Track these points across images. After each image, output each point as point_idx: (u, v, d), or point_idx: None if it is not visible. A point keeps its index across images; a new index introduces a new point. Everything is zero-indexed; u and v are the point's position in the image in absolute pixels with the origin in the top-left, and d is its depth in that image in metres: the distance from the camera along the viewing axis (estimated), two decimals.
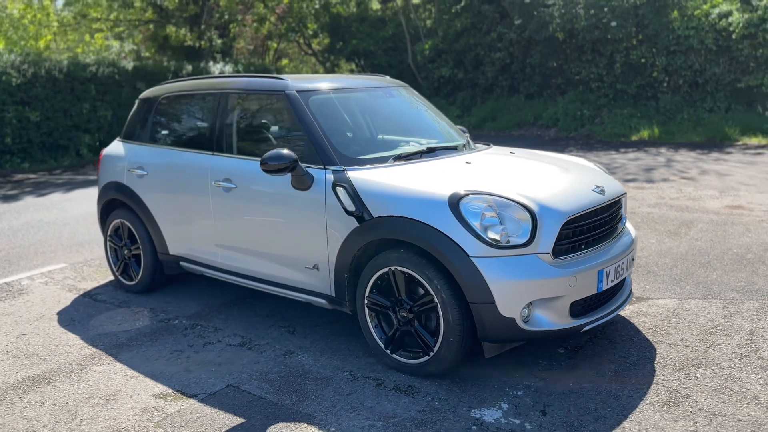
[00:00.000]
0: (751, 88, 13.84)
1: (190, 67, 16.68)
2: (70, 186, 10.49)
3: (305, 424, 2.93)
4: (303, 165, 3.61)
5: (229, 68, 18.08)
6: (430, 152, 3.88)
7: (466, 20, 18.87)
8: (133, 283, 4.90)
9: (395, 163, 3.65)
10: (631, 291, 3.67)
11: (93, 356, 3.82)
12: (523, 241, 3.03)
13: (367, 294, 3.41)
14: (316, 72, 27.73)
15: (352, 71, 25.47)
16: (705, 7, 14.12)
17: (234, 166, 4.04)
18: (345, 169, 3.54)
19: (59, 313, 4.58)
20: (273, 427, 2.93)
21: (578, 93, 16.41)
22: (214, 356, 3.74)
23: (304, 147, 3.78)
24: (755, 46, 13.39)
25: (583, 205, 3.26)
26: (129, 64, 15.24)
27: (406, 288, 3.26)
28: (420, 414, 2.95)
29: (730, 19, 13.62)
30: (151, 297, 4.83)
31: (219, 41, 21.93)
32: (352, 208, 3.39)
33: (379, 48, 21.97)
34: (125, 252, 4.92)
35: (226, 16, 22.40)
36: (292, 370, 3.50)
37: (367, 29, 22.47)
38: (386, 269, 3.29)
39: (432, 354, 3.19)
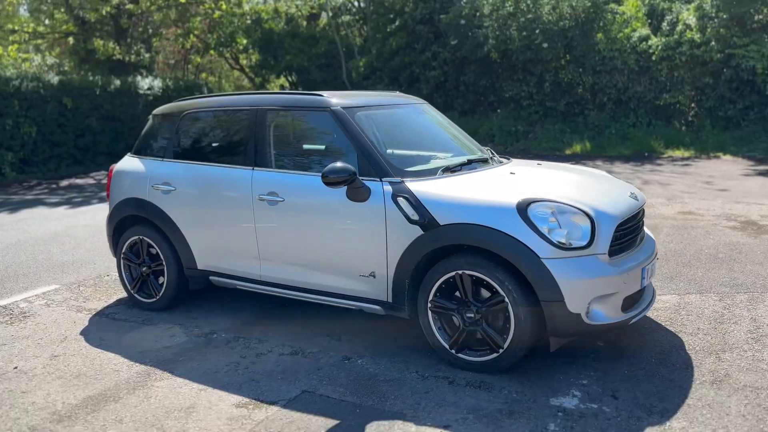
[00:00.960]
0: (668, 105, 15.12)
1: (118, 82, 16.16)
2: (10, 207, 9.98)
3: (400, 422, 3.10)
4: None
5: (158, 83, 17.65)
6: (469, 164, 4.16)
7: (401, 39, 19.39)
8: (153, 300, 4.85)
9: (444, 175, 3.90)
10: (654, 289, 4.08)
11: (147, 373, 3.80)
12: (584, 243, 3.35)
13: (430, 298, 3.63)
14: (241, 87, 27.51)
15: (283, 87, 25.50)
16: (626, 30, 15.33)
17: (281, 180, 4.15)
18: (402, 181, 3.76)
19: (83, 334, 4.48)
20: (370, 425, 3.08)
21: (510, 110, 17.29)
22: (273, 366, 3.82)
23: (348, 160, 3.96)
24: (672, 67, 14.68)
25: (626, 210, 3.64)
26: (54, 78, 14.60)
27: (472, 290, 3.50)
28: (505, 405, 3.20)
29: (649, 42, 14.88)
30: (173, 314, 4.80)
31: (147, 55, 21.38)
32: (415, 217, 3.60)
33: (313, 64, 22.16)
34: (143, 269, 4.87)
35: (150, 30, 21.89)
36: (359, 374, 3.65)
37: (300, 45, 22.59)
38: (452, 273, 3.52)
39: (501, 351, 3.44)
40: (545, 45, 15.45)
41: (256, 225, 4.23)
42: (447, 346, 3.62)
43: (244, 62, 25.19)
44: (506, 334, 3.43)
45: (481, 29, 16.35)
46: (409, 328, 4.26)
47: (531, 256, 3.30)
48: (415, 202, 3.62)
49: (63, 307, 5.09)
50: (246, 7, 21.86)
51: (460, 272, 3.50)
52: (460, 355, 3.59)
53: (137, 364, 3.93)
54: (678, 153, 13.35)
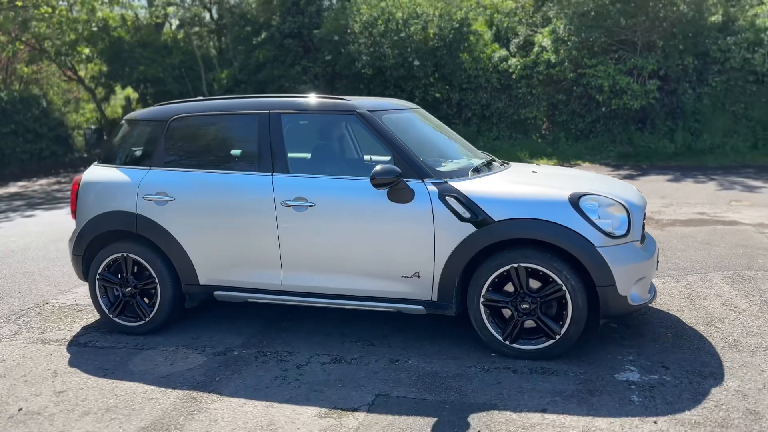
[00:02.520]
0: (526, 119, 16.57)
1: None
2: None
3: (496, 411, 3.19)
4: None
5: None
6: (488, 165, 4.36)
7: (268, 52, 19.19)
8: (141, 323, 4.41)
9: (477, 175, 4.06)
10: None
11: (191, 397, 3.48)
12: (623, 232, 3.70)
13: (483, 293, 3.76)
14: (72, 101, 25.25)
15: (129, 99, 23.89)
16: (488, 51, 16.60)
17: (310, 184, 4.03)
18: (446, 181, 3.86)
19: (74, 366, 3.97)
20: (471, 418, 3.13)
21: None
22: (324, 375, 3.70)
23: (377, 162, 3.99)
24: (530, 85, 16.13)
25: (644, 202, 4.07)
26: None
27: (527, 282, 3.70)
28: (580, 386, 3.42)
29: (509, 62, 16.22)
30: (166, 336, 4.41)
31: None
32: (467, 215, 3.72)
33: (169, 75, 21.15)
34: (126, 290, 4.41)
35: None
36: (419, 374, 3.67)
37: (152, 55, 21.40)
38: (507, 267, 3.69)
39: (558, 337, 3.67)
40: (417, 63, 16.19)
41: (279, 232, 4.06)
42: (501, 338, 3.77)
43: (83, 73, 23.20)
44: (563, 320, 3.66)
45: (354, 45, 16.71)
46: (432, 325, 4.35)
47: (587, 245, 3.57)
48: (466, 201, 3.74)
49: (20, 340, 4.45)
50: (99, 14, 20.20)
51: (515, 265, 3.67)
52: (515, 345, 3.76)
53: (170, 390, 3.58)
54: (543, 162, 14.70)
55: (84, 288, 5.67)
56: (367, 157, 4.82)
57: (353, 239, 3.95)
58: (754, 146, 13.80)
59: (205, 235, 4.21)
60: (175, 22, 24.16)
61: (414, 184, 3.86)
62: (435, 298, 3.89)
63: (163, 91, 21.10)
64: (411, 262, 3.87)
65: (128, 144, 4.61)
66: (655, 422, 3.02)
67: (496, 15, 16.79)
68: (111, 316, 4.47)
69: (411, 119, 4.51)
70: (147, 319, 4.40)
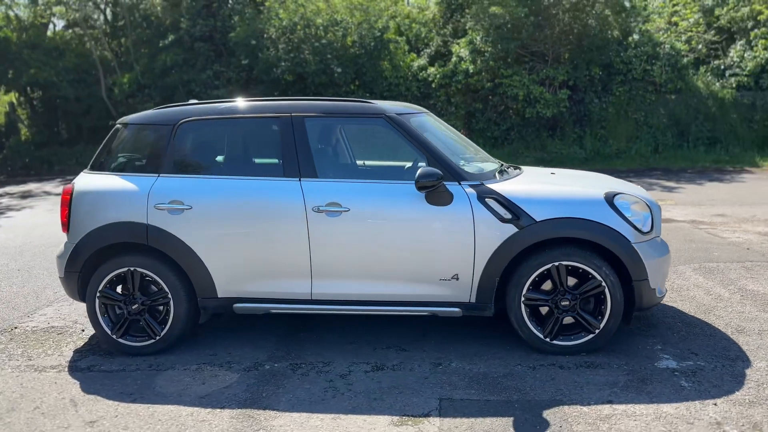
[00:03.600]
0: None
1: None
2: None
3: (566, 406, 3.27)
4: None
5: None
6: (506, 168, 4.46)
7: (177, 56, 18.41)
8: (151, 342, 4.09)
9: (504, 177, 4.14)
10: None
11: (247, 415, 3.29)
12: (649, 228, 3.93)
13: (524, 292, 3.84)
14: None
15: (12, 104, 21.97)
16: (407, 60, 16.92)
17: (344, 189, 3.93)
18: (482, 183, 3.91)
19: (91, 393, 3.62)
20: (546, 414, 3.19)
21: None
22: (373, 384, 3.62)
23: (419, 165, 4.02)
24: (449, 94, 16.61)
25: (654, 199, 4.34)
26: None
27: (566, 279, 3.82)
28: (629, 376, 3.58)
29: (428, 71, 16.62)
30: (177, 354, 4.13)
31: None
32: (508, 216, 3.80)
33: (63, 79, 19.70)
34: (134, 307, 4.08)
35: None
36: (470, 375, 3.68)
37: (43, 57, 19.86)
38: (549, 266, 3.79)
39: (598, 331, 3.82)
40: (339, 70, 16.18)
41: (310, 239, 3.92)
42: (542, 336, 3.87)
43: None
44: (602, 315, 3.82)
45: (273, 50, 16.42)
46: (455, 327, 4.38)
47: (624, 242, 3.76)
48: (506, 202, 3.81)
49: (7, 369, 3.99)
50: None
51: (556, 263, 3.79)
52: (555, 341, 3.86)
53: (218, 410, 3.36)
54: None
55: (53, 309, 5.17)
56: (360, 162, 4.78)
57: (390, 244, 3.90)
58: (655, 150, 15.02)
59: (227, 244, 3.98)
60: (60, 23, 22.56)
61: (451, 186, 3.87)
62: (473, 300, 3.92)
63: (57, 95, 19.64)
64: (450, 264, 3.88)
65: (126, 150, 4.28)
66: (716, 404, 3.22)
67: (414, 25, 17.13)
68: (114, 336, 4.11)
69: (427, 122, 4.52)
70: (158, 338, 4.08)
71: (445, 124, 5.00)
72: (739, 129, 14.62)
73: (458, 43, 16.56)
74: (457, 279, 3.89)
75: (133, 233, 4.01)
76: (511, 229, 3.80)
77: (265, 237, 3.96)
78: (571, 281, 3.87)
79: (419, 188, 3.74)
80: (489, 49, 15.50)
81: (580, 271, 3.81)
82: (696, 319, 4.47)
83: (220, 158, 4.19)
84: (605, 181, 4.43)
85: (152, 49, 19.56)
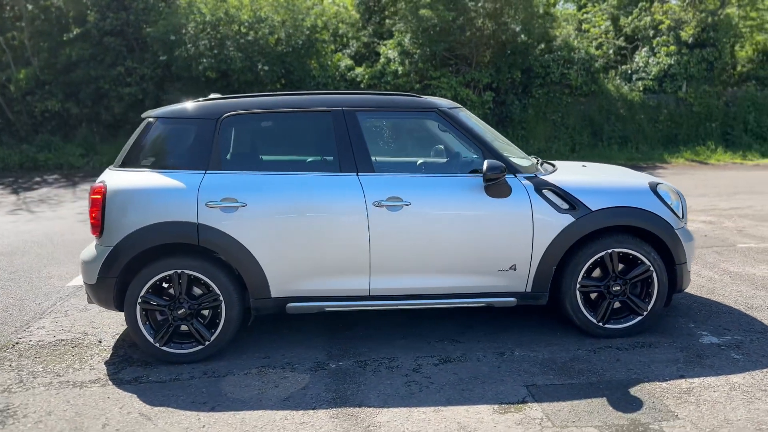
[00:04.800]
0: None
1: None
2: None
3: (646, 383, 3.46)
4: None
5: None
6: (542, 161, 4.61)
7: (83, 51, 17.21)
8: (198, 348, 3.87)
9: (549, 170, 4.29)
10: None
11: (346, 414, 3.20)
12: (682, 215, 4.23)
13: (579, 279, 4.01)
14: None
15: None
16: (335, 59, 16.88)
17: (404, 183, 3.91)
18: (536, 175, 4.05)
19: (161, 405, 3.38)
20: (632, 392, 3.36)
21: None
22: (452, 376, 3.64)
23: (458, 158, 4.07)
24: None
25: None
26: None
27: (618, 265, 4.03)
28: (683, 352, 3.85)
29: (357, 72, 16.68)
30: (224, 360, 3.93)
31: None
32: (565, 206, 3.95)
33: None
34: (180, 312, 3.84)
35: None
36: (539, 362, 3.79)
37: None
38: (603, 253, 3.99)
39: (645, 313, 4.06)
40: (266, 68, 15.85)
41: (371, 234, 3.87)
42: (595, 321, 4.05)
43: None
44: (649, 298, 4.06)
45: (194, 46, 15.79)
46: (497, 318, 4.49)
47: (669, 229, 4.03)
48: (563, 193, 3.96)
49: (38, 388, 3.63)
50: None
51: (609, 251, 3.99)
52: (607, 326, 4.07)
53: (312, 410, 3.25)
54: None
55: (50, 321, 4.73)
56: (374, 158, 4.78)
57: (450, 237, 3.93)
58: (572, 150, 15.96)
59: (283, 242, 3.84)
60: None
61: (509, 179, 3.97)
62: (529, 289, 4.04)
63: None
64: (508, 255, 3.97)
65: (163, 145, 4.01)
66: None
67: (341, 25, 17.10)
68: (158, 345, 3.84)
69: (469, 117, 4.60)
70: (207, 343, 3.86)
71: (477, 118, 5.10)
72: (647, 129, 15.87)
73: (385, 45, 16.73)
74: (515, 269, 3.99)
75: (182, 233, 3.77)
76: (568, 219, 3.95)
77: (324, 233, 3.86)
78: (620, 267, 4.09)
79: (487, 180, 3.80)
80: (418, 51, 15.79)
81: (630, 257, 4.03)
82: (705, 299, 4.86)
83: (270, 153, 4.03)
84: (632, 172, 4.71)
85: (53, 43, 18.13)
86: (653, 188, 4.11)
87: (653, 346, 3.96)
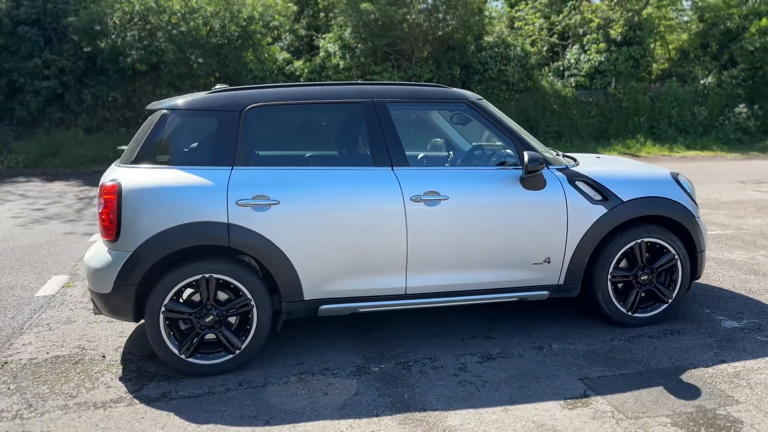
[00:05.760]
0: None
1: None
2: None
3: (691, 370, 3.52)
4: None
5: None
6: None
7: None
8: (228, 358, 3.59)
9: (574, 161, 4.29)
10: None
11: (414, 419, 3.05)
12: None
13: (611, 270, 4.03)
14: None
15: None
16: (272, 51, 16.44)
17: (441, 176, 3.78)
18: (567, 166, 4.03)
19: (206, 422, 3.10)
20: (683, 378, 3.40)
21: None
22: (502, 373, 3.56)
23: (492, 151, 4.02)
24: None
25: None
26: None
27: (645, 255, 4.09)
28: (712, 337, 3.95)
29: (295, 65, 16.31)
30: (257, 369, 3.68)
31: None
32: (598, 197, 3.96)
33: None
34: (208, 319, 3.55)
35: None
36: (581, 354, 3.77)
37: None
38: (632, 243, 4.03)
39: (671, 301, 4.14)
40: (201, 60, 15.19)
41: (408, 230, 3.72)
42: (625, 310, 4.09)
43: None
44: (673, 286, 4.15)
45: (122, 37, 14.90)
46: (520, 311, 4.46)
47: (692, 217, 4.13)
48: (595, 185, 3.96)
49: (57, 412, 3.24)
50: None
51: (638, 241, 4.03)
52: (636, 315, 4.12)
53: (375, 418, 3.08)
54: None
55: (33, 336, 4.26)
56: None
57: (487, 231, 3.84)
58: None
59: (317, 241, 3.62)
60: None
61: (542, 170, 3.93)
62: (561, 282, 4.02)
63: None
64: (543, 248, 3.94)
65: (181, 139, 3.68)
66: None
67: (277, 17, 16.64)
68: (183, 357, 3.53)
69: (494, 108, 4.51)
70: (238, 352, 3.59)
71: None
72: (579, 123, 16.47)
73: (324, 38, 16.45)
74: (549, 262, 3.96)
75: (212, 235, 3.47)
76: (600, 210, 3.96)
77: (360, 231, 3.67)
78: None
79: (528, 172, 3.74)
80: (359, 45, 15.62)
81: (657, 246, 4.10)
82: (705, 285, 5.04)
83: (297, 147, 3.79)
84: (643, 163, 4.80)
85: None
86: (675, 178, 4.20)
87: (682, 333, 4.05)
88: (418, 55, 16.08)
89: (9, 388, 3.49)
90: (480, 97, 4.20)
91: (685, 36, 17.96)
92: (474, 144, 4.52)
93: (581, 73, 16.66)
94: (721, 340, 3.91)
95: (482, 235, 3.84)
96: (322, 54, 16.18)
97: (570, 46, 17.36)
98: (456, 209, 3.78)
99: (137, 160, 3.60)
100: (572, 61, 16.93)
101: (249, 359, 3.66)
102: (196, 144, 3.69)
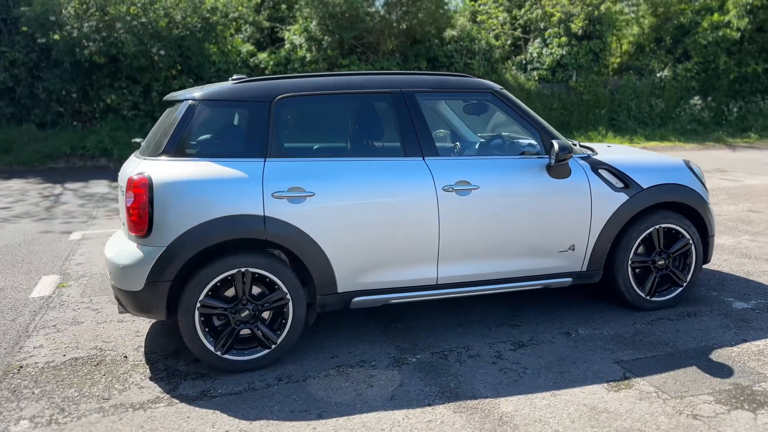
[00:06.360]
0: None
1: None
2: None
3: (718, 350, 3.64)
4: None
5: None
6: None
7: None
8: (264, 353, 3.52)
9: (590, 150, 4.37)
10: None
11: (468, 407, 3.06)
12: None
13: (631, 256, 4.14)
14: None
15: None
16: (236, 42, 16.12)
17: (471, 166, 3.79)
18: (589, 155, 4.11)
19: (253, 419, 3.04)
20: (712, 357, 3.53)
21: (111, 122, 15.78)
22: (537, 359, 3.61)
23: (509, 140, 4.06)
24: None
25: None
26: None
27: (662, 241, 4.20)
28: (728, 318, 4.10)
29: (260, 57, 16.05)
30: (291, 364, 3.62)
31: None
32: (620, 185, 4.05)
33: None
34: (243, 315, 3.47)
35: None
36: (610, 338, 3.86)
37: None
38: (651, 229, 4.14)
39: (685, 284, 4.28)
40: (162, 53, 14.77)
41: (440, 220, 3.72)
42: (644, 295, 4.21)
43: None
44: (687, 270, 4.28)
45: (79, 29, 14.33)
46: (539, 299, 4.53)
47: (704, 203, 4.27)
48: (617, 172, 4.05)
49: (93, 415, 3.12)
50: None
51: (657, 227, 4.15)
52: (654, 299, 4.23)
53: (429, 407, 3.08)
54: None
55: (42, 338, 4.08)
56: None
57: (516, 220, 3.88)
58: None
59: (351, 233, 3.58)
60: None
61: None
62: (584, 268, 4.10)
63: None
64: (568, 235, 4.00)
65: (210, 130, 3.57)
66: None
67: (240, 8, 16.32)
68: (219, 353, 3.44)
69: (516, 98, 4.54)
70: (275, 346, 3.52)
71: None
72: (542, 116, 16.76)
73: (289, 30, 16.23)
74: (573, 249, 4.03)
75: (249, 228, 3.38)
76: (622, 198, 4.05)
77: (393, 221, 3.65)
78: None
79: (558, 161, 3.79)
80: (327, 37, 15.48)
81: (673, 231, 4.22)
82: (706, 269, 5.21)
83: (327, 137, 3.73)
84: (649, 152, 4.94)
85: None
86: (688, 164, 4.33)
87: (699, 315, 4.19)
88: (384, 48, 16.05)
89: (33, 393, 3.33)
90: (501, 87, 4.24)
91: (636, 29, 18.53)
92: (488, 135, 4.55)
93: (544, 67, 16.98)
94: (736, 321, 4.07)
95: (511, 223, 3.87)
96: (287, 46, 15.96)
97: (532, 40, 17.66)
98: (486, 198, 3.80)
99: (165, 153, 3.48)
100: (535, 54, 17.23)
101: (285, 353, 3.60)
102: (228, 135, 3.59)
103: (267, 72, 15.92)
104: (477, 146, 4.55)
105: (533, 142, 4.07)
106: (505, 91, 4.07)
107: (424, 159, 3.73)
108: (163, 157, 3.46)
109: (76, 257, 6.13)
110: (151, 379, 3.47)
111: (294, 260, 3.62)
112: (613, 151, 4.55)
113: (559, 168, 3.90)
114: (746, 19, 16.62)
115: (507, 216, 3.85)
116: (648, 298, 4.22)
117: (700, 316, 4.18)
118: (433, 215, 3.70)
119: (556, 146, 3.78)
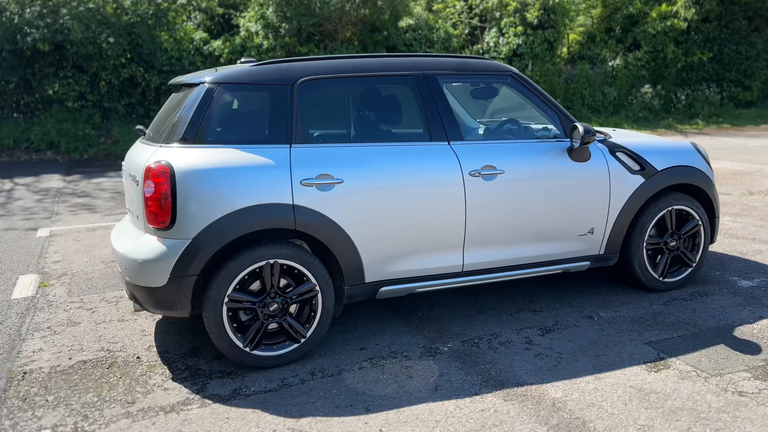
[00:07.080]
0: None
1: None
2: None
3: (737, 328, 3.72)
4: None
5: None
6: None
7: None
8: (293, 348, 3.37)
9: (604, 133, 4.37)
10: None
11: (518, 395, 3.01)
12: None
13: (646, 238, 4.17)
14: None
15: None
16: (188, 29, 15.57)
17: (496, 150, 3.72)
18: (605, 138, 4.11)
19: (297, 417, 2.90)
20: (735, 334, 3.60)
21: (56, 113, 15.01)
22: (571, 344, 3.59)
23: (521, 125, 4.05)
24: None
25: None
26: None
27: (674, 223, 4.26)
28: (738, 296, 4.19)
29: (214, 45, 15.56)
30: (318, 358, 3.49)
31: None
32: (636, 167, 4.07)
33: None
34: (272, 308, 3.31)
35: None
36: (632, 320, 3.88)
37: None
38: (665, 211, 4.18)
39: (695, 264, 4.35)
40: (111, 40, 14.11)
41: (467, 206, 3.65)
42: (657, 276, 4.26)
43: None
44: (696, 251, 4.36)
45: (20, 15, 13.53)
46: (550, 283, 4.54)
47: (712, 185, 4.35)
48: (634, 155, 4.07)
49: (123, 420, 2.91)
50: None
51: (670, 209, 4.20)
52: (666, 279, 4.29)
53: (478, 396, 3.01)
54: None
55: (41, 342, 3.80)
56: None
57: (540, 204, 3.84)
58: None
59: (379, 221, 3.45)
60: None
61: None
62: (602, 252, 4.11)
63: None
64: (588, 219, 4.00)
65: (231, 116, 3.37)
66: None
67: None
68: (248, 350, 3.27)
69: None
70: (304, 341, 3.37)
71: None
72: None
73: (244, 17, 15.79)
74: (592, 233, 4.03)
75: (278, 218, 3.21)
76: (638, 180, 4.07)
77: (420, 208, 3.55)
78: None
79: (582, 144, 3.77)
80: (285, 24, 15.13)
81: (684, 213, 4.28)
82: (717, 253, 5.33)
83: (349, 122, 3.58)
84: (653, 135, 4.99)
85: None
86: (695, 146, 4.40)
87: (710, 294, 4.27)
88: (342, 35, 15.82)
89: (47, 401, 3.08)
90: (519, 70, 4.19)
91: (582, 18, 18.92)
92: (494, 120, 4.50)
93: (500, 56, 17.10)
94: (747, 299, 4.17)
95: (534, 208, 3.83)
96: (243, 34, 15.52)
97: (488, 29, 17.77)
98: (511, 183, 3.74)
99: (184, 140, 3.26)
100: (491, 44, 17.35)
101: (315, 347, 3.46)
102: (250, 120, 3.40)
103: (222, 60, 15.45)
104: (482, 131, 4.49)
105: (549, 126, 4.04)
106: (523, 75, 4.02)
107: (449, 143, 3.64)
108: (181, 144, 3.24)
109: (51, 255, 5.77)
110: (173, 379, 3.27)
111: (317, 250, 3.48)
112: (623, 134, 4.58)
113: (580, 151, 3.89)
114: (692, 10, 17.21)
115: (530, 200, 3.81)
116: (661, 279, 4.27)
117: (712, 295, 4.26)
118: (460, 201, 3.61)
119: (581, 129, 3.75)
